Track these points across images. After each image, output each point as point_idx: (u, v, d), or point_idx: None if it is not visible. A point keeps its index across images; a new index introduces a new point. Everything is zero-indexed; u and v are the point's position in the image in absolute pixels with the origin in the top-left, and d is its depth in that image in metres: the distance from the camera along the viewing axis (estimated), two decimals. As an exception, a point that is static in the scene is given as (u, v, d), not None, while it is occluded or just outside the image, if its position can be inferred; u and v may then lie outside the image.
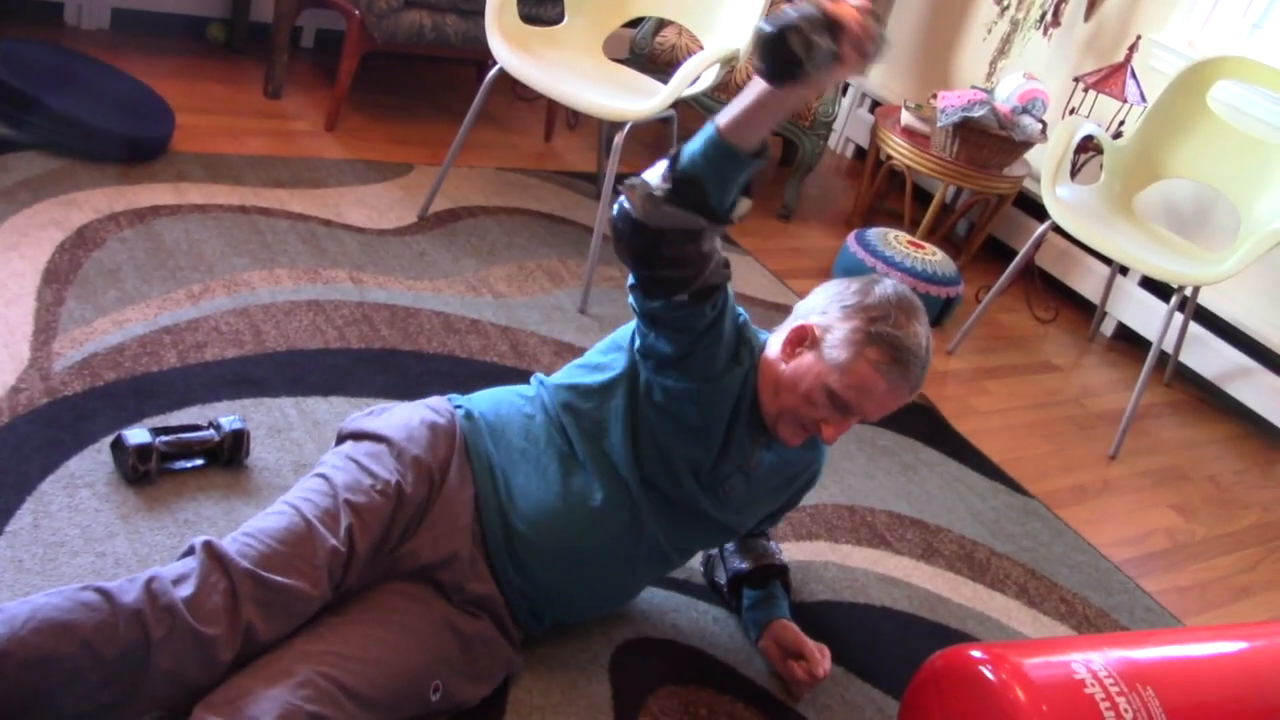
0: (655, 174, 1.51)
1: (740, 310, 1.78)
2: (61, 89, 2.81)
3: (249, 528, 1.53)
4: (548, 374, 1.86)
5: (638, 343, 1.72)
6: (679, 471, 1.72)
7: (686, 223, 1.49)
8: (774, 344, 1.76)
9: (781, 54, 1.34)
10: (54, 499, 1.81)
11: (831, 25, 1.33)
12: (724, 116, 1.46)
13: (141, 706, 1.39)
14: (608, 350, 1.79)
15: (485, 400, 1.82)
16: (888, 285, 1.69)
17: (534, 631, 1.80)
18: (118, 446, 1.90)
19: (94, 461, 1.91)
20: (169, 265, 2.50)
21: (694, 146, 1.48)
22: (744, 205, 1.54)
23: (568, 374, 1.81)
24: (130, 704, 1.39)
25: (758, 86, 1.42)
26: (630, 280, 1.62)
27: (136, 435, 1.89)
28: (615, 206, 1.53)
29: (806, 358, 1.69)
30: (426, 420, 1.72)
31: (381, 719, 1.50)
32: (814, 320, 1.71)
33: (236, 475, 1.99)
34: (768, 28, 1.35)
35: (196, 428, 1.98)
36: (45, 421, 1.96)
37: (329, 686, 1.43)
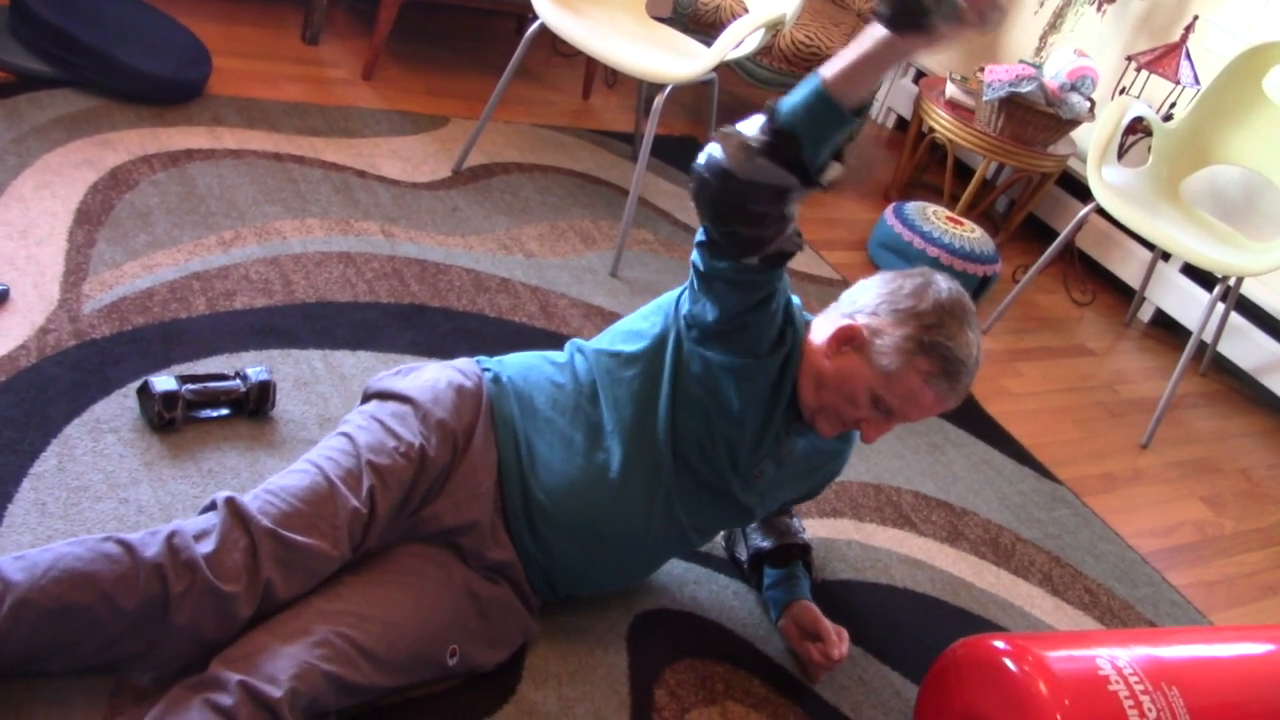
0: (751, 126, 1.45)
1: (793, 296, 1.74)
2: (99, 27, 2.79)
3: (271, 485, 1.52)
4: (583, 338, 1.83)
5: (685, 308, 1.67)
6: (713, 452, 1.69)
7: (777, 179, 1.43)
8: (819, 333, 1.69)
9: (910, 1, 1.29)
10: (79, 443, 1.81)
11: None
12: (831, 67, 1.39)
13: (157, 661, 1.40)
14: (650, 315, 1.74)
15: (515, 365, 1.79)
16: (941, 287, 1.61)
17: (549, 599, 1.78)
18: (144, 393, 1.89)
19: (120, 407, 1.91)
20: (201, 210, 2.48)
21: (795, 99, 1.42)
22: (835, 170, 1.48)
23: (608, 339, 1.77)
24: (146, 658, 1.39)
25: (873, 36, 1.35)
26: (700, 237, 1.56)
27: (163, 382, 1.88)
28: (703, 156, 1.47)
29: (853, 359, 1.63)
30: (454, 383, 1.70)
31: (397, 681, 1.50)
32: (862, 321, 1.64)
33: (261, 426, 1.98)
34: None
35: (223, 377, 1.97)
36: (72, 364, 1.95)
37: (345, 647, 1.42)
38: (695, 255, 1.59)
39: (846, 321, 1.65)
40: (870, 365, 1.62)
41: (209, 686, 1.33)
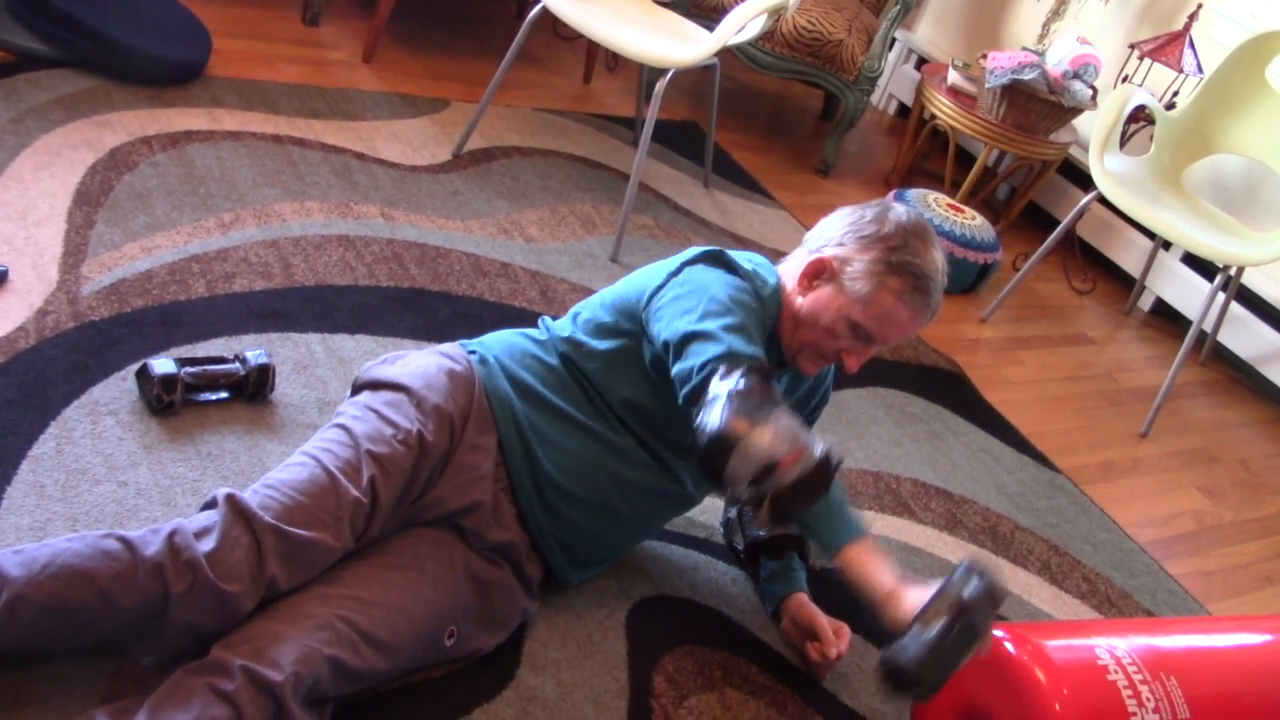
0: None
1: (761, 269, 1.75)
2: (99, 7, 2.77)
3: (270, 479, 1.50)
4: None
5: (651, 327, 1.66)
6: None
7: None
8: (787, 277, 1.75)
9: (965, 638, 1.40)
10: (78, 425, 1.80)
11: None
12: (853, 565, 1.53)
13: (154, 649, 1.40)
14: (615, 313, 1.74)
15: (498, 344, 1.79)
16: (900, 212, 1.69)
17: (569, 583, 1.80)
18: (143, 376, 1.88)
19: (119, 389, 1.90)
20: (200, 192, 2.47)
21: (822, 532, 1.55)
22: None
23: (569, 325, 1.78)
24: (142, 646, 1.39)
25: (890, 586, 1.49)
26: (688, 392, 1.53)
27: (162, 365, 1.87)
28: (719, 421, 1.42)
29: (825, 290, 1.69)
30: (444, 368, 1.69)
31: (397, 664, 1.50)
32: (830, 253, 1.70)
33: (260, 410, 1.97)
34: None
35: (222, 360, 1.97)
36: (71, 346, 1.95)
37: (348, 631, 1.42)
38: (682, 390, 1.55)
39: (815, 256, 1.71)
40: (844, 293, 1.67)
41: (211, 671, 1.32)
